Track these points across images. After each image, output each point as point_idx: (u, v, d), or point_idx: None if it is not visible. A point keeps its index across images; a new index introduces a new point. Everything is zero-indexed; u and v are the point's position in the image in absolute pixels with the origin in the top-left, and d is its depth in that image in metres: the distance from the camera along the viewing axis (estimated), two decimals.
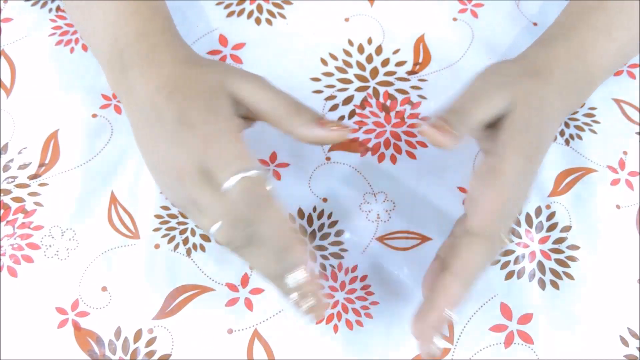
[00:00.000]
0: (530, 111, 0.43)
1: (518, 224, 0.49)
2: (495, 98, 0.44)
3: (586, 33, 0.48)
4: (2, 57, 0.54)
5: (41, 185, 0.50)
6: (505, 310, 0.46)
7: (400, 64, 0.55)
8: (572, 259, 0.48)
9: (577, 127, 0.53)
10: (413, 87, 0.54)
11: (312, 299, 0.40)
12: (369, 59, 0.55)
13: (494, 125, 0.44)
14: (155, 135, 0.44)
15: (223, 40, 0.56)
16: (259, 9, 0.57)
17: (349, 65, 0.55)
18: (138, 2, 0.48)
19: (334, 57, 0.55)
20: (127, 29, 0.47)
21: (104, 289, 0.47)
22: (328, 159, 0.51)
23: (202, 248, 0.48)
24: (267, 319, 0.46)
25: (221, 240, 0.42)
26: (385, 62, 0.55)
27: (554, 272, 0.48)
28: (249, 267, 0.47)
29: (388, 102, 0.53)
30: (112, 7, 0.48)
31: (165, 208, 0.49)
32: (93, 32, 0.49)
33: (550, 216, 0.49)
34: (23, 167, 0.50)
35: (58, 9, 0.57)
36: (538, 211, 0.49)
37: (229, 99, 0.44)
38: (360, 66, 0.55)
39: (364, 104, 0.53)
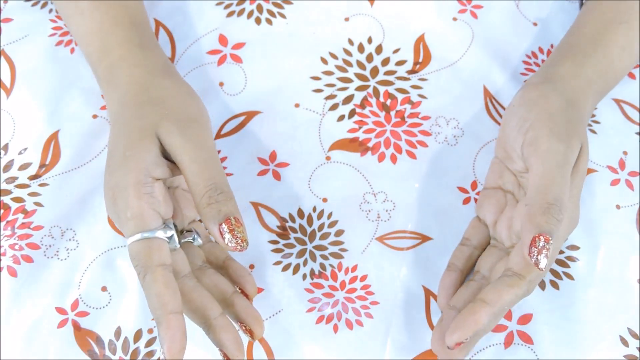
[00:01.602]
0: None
1: None
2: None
3: (611, 50, 0.48)
4: (2, 57, 0.54)
5: (41, 185, 0.50)
6: None
7: (400, 63, 0.55)
8: (572, 259, 0.48)
9: None
10: (413, 87, 0.54)
11: None
12: (369, 58, 0.55)
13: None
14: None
15: (223, 40, 0.56)
16: (259, 8, 0.57)
17: (349, 64, 0.55)
18: (101, 13, 0.49)
19: (334, 56, 0.55)
20: (93, 45, 0.49)
21: (104, 289, 0.47)
22: (328, 158, 0.51)
23: None
24: (267, 319, 0.46)
25: None
26: (385, 62, 0.55)
27: (554, 272, 0.47)
28: None
29: (388, 102, 0.53)
30: (81, 21, 0.50)
31: None
32: (79, 43, 0.51)
33: None
34: (23, 167, 0.50)
35: None
36: None
37: (155, 142, 0.43)
38: (361, 65, 0.55)
39: (364, 103, 0.53)
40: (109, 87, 0.47)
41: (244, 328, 0.42)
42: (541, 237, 0.39)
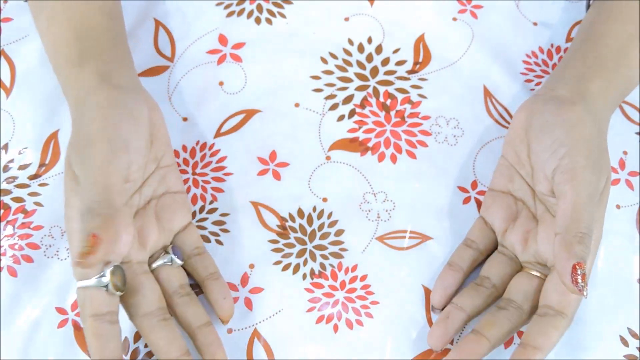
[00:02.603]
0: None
1: None
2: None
3: (634, 67, 0.48)
4: (2, 57, 0.54)
5: (41, 185, 0.50)
6: None
7: (400, 63, 0.55)
8: None
9: None
10: (413, 87, 0.54)
11: None
12: (369, 58, 0.55)
13: None
14: None
15: (223, 39, 0.56)
16: (259, 8, 0.57)
17: (349, 64, 0.55)
18: (59, 26, 0.48)
19: (334, 56, 0.55)
20: (57, 60, 0.48)
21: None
22: (328, 158, 0.51)
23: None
24: (267, 319, 0.46)
25: None
26: (385, 62, 0.55)
27: None
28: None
29: (388, 102, 0.53)
30: (45, 33, 0.49)
31: None
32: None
33: None
34: (23, 167, 0.50)
35: None
36: None
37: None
38: (361, 65, 0.55)
39: (364, 103, 0.53)
40: (75, 108, 0.46)
41: None
42: (580, 265, 0.39)
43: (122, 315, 0.46)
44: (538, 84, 0.54)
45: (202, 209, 0.49)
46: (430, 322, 0.46)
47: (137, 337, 0.45)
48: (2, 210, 0.49)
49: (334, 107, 0.53)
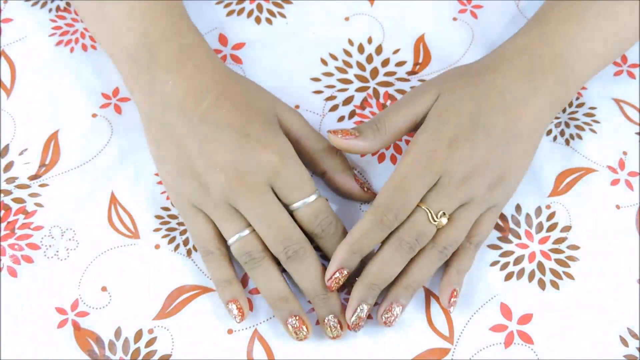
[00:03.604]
0: (454, 98, 0.45)
1: (518, 224, 0.49)
2: (418, 100, 0.46)
3: (550, 21, 0.49)
4: (2, 57, 0.54)
5: (41, 185, 0.50)
6: (505, 311, 0.46)
7: (400, 64, 0.55)
8: (572, 259, 0.48)
9: (577, 126, 0.53)
10: (413, 88, 0.54)
11: (337, 332, 0.44)
12: (369, 59, 0.55)
13: None
14: (196, 133, 0.45)
15: (223, 39, 0.56)
16: (259, 8, 0.57)
17: (349, 65, 0.55)
18: (162, 4, 0.49)
19: (334, 57, 0.55)
20: (153, 27, 0.47)
21: (104, 289, 0.47)
22: None
23: None
24: (267, 319, 0.46)
25: (241, 248, 0.44)
26: (385, 62, 0.55)
27: (554, 272, 0.47)
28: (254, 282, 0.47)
29: (388, 102, 0.53)
30: (136, 5, 0.48)
31: (166, 209, 0.49)
32: (111, 26, 0.49)
33: (550, 216, 0.49)
34: (23, 167, 0.50)
35: (58, 9, 0.57)
36: (538, 211, 0.49)
37: (278, 123, 0.47)
38: (361, 66, 0.55)
39: (364, 104, 0.53)
40: (183, 69, 0.46)
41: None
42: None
43: (123, 315, 0.46)
44: None
45: None
46: (430, 323, 0.46)
47: (138, 337, 0.45)
48: (3, 211, 0.49)
49: (334, 108, 0.53)
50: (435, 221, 0.44)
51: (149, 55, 0.47)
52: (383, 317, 0.44)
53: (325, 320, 0.44)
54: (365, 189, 0.49)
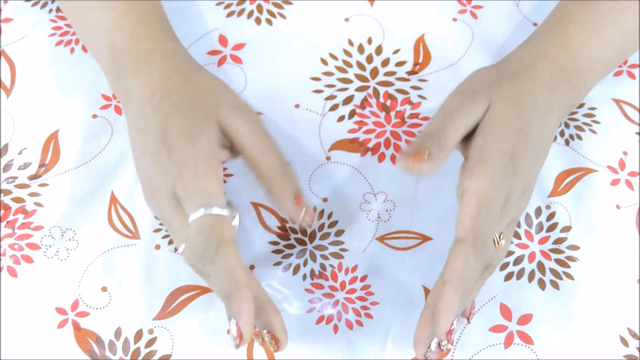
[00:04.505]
0: (506, 108, 0.43)
1: (517, 224, 0.49)
2: (471, 109, 0.43)
3: (568, 27, 0.48)
4: (2, 57, 0.55)
5: (41, 185, 0.50)
6: (505, 311, 0.46)
7: (400, 64, 0.55)
8: (572, 259, 0.48)
9: (577, 127, 0.53)
10: (413, 87, 0.54)
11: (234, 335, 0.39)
12: (369, 59, 0.55)
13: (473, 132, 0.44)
14: (142, 146, 0.45)
15: (223, 40, 0.56)
16: (259, 9, 0.57)
17: (349, 65, 0.55)
18: (131, 5, 0.48)
19: (334, 57, 0.55)
20: (120, 34, 0.47)
21: (104, 289, 0.47)
22: (328, 158, 0.51)
23: None
24: None
25: (186, 261, 0.43)
26: (385, 62, 0.55)
27: (554, 272, 0.47)
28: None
29: (388, 102, 0.53)
30: (106, 11, 0.48)
31: None
32: (90, 35, 0.50)
33: (550, 216, 0.49)
34: (23, 167, 0.50)
35: (58, 9, 0.57)
36: (538, 211, 0.49)
37: (217, 126, 0.44)
38: (360, 66, 0.55)
39: (364, 103, 0.53)
40: (139, 76, 0.46)
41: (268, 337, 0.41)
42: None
43: (123, 315, 0.46)
44: None
45: None
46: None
47: (138, 337, 0.45)
48: (2, 211, 0.49)
49: (334, 107, 0.53)
50: (497, 244, 0.42)
51: (117, 64, 0.47)
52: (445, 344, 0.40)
53: (231, 322, 0.39)
54: (305, 213, 0.44)
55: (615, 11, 0.49)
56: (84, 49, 0.55)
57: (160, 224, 0.49)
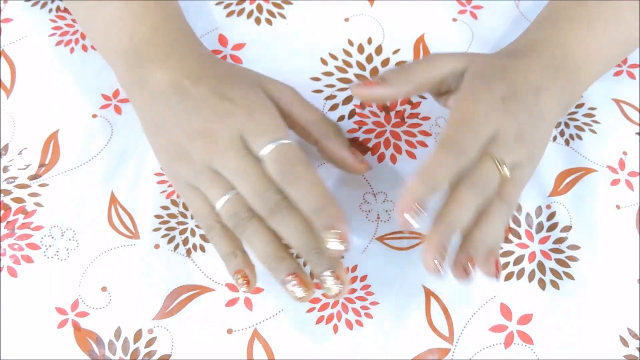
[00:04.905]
0: (488, 66, 0.45)
1: (518, 223, 0.49)
2: (448, 57, 0.46)
3: (565, 24, 0.48)
4: (2, 57, 0.55)
5: (41, 185, 0.50)
6: (505, 311, 0.46)
7: (400, 64, 0.55)
8: (572, 259, 0.48)
9: (577, 127, 0.53)
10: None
11: (337, 288, 0.42)
12: (369, 59, 0.55)
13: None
14: (177, 112, 0.45)
15: (223, 40, 0.56)
16: (259, 8, 0.57)
17: (349, 65, 0.55)
18: (152, 3, 0.49)
19: (334, 57, 0.55)
20: (143, 26, 0.48)
21: (104, 289, 0.47)
22: None
23: (202, 248, 0.48)
24: (267, 319, 0.46)
25: (228, 212, 0.43)
26: (385, 62, 0.55)
27: (554, 272, 0.48)
28: (249, 248, 0.45)
29: (388, 102, 0.53)
30: (126, 6, 0.48)
31: (165, 208, 0.49)
32: (103, 28, 0.49)
33: (551, 216, 0.49)
34: (23, 167, 0.50)
35: (58, 9, 0.57)
36: (538, 211, 0.49)
37: (261, 91, 0.47)
38: (360, 66, 0.55)
39: (364, 103, 0.53)
40: (169, 60, 0.47)
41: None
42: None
43: (123, 315, 0.46)
44: None
45: None
46: (430, 323, 0.46)
47: (137, 337, 0.45)
48: (2, 211, 0.49)
49: (334, 107, 0.53)
50: (500, 169, 0.42)
51: (138, 54, 0.47)
52: (460, 268, 0.41)
53: (322, 277, 0.42)
54: (360, 160, 0.48)
55: (613, 10, 0.49)
56: (84, 48, 0.55)
57: (160, 223, 0.49)
